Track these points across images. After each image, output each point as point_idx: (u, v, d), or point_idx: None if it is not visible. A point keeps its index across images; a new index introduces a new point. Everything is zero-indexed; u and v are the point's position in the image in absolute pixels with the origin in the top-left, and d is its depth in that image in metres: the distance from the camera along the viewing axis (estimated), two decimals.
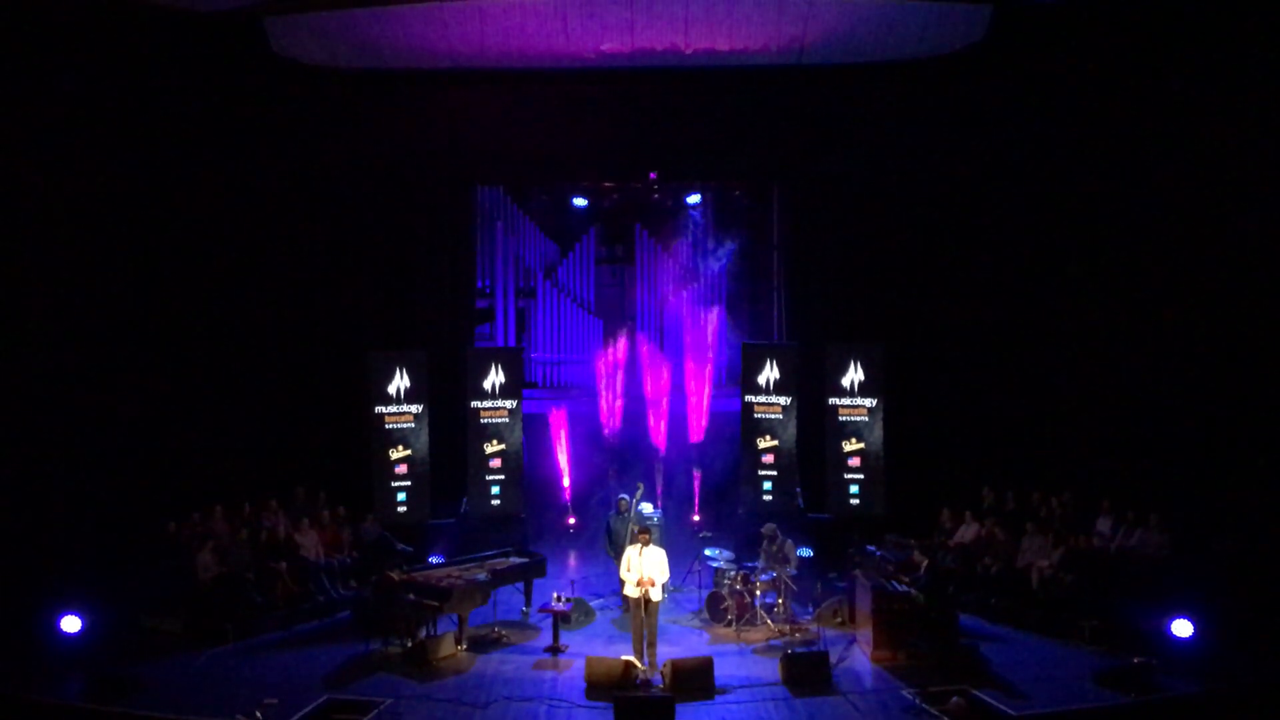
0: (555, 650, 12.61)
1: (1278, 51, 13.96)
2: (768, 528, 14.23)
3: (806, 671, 11.58)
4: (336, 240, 17.38)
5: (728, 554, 14.29)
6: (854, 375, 16.78)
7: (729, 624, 13.28)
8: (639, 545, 12.09)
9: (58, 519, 13.97)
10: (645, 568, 11.94)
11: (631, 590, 12.03)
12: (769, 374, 17.02)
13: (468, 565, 13.92)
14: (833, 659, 11.93)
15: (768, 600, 13.44)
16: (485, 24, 15.76)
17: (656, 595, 12.01)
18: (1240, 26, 14.22)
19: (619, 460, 18.13)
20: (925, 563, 13.45)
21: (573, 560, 16.69)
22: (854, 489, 16.77)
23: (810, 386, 17.05)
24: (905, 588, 12.58)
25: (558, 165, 18.38)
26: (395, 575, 13.20)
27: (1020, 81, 16.16)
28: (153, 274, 16.05)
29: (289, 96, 16.52)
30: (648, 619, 11.98)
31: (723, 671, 11.66)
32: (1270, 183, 14.27)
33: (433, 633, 12.62)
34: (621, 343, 19.04)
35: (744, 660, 12.39)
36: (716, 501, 17.56)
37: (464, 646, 12.65)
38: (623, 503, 14.44)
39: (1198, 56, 14.63)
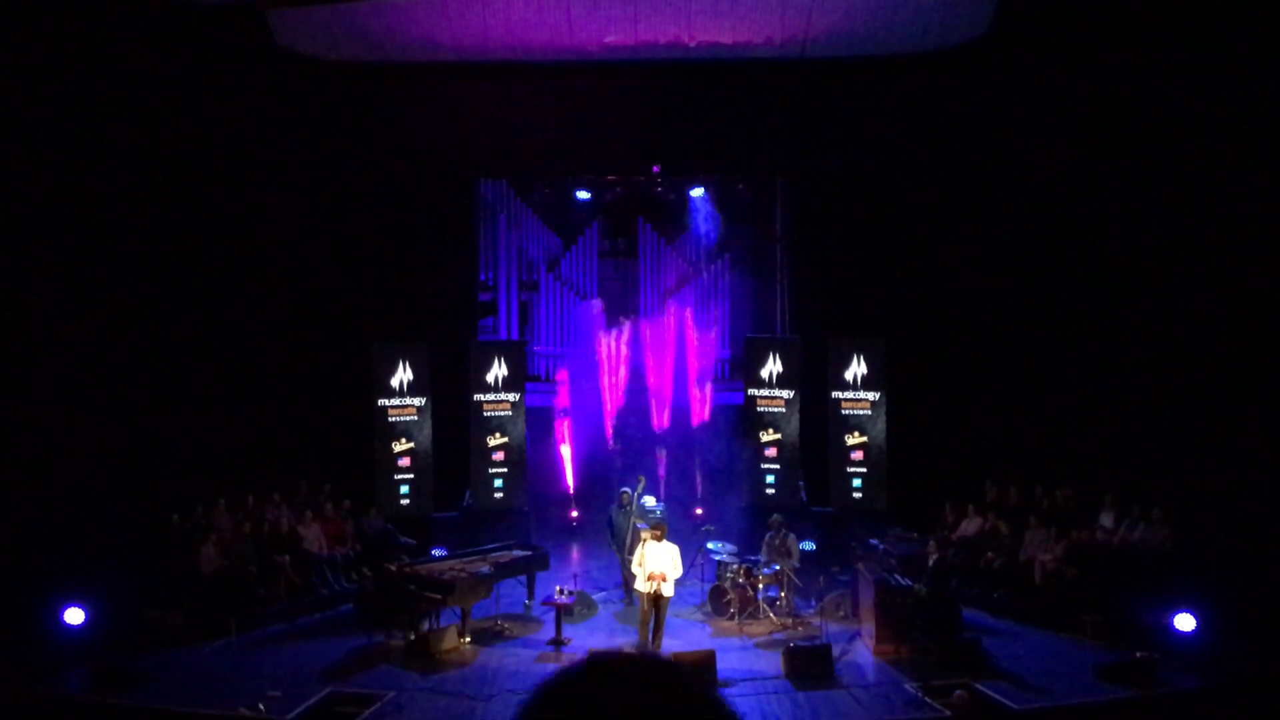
0: (558, 643, 12.63)
1: None
2: (775, 518, 14.26)
3: (809, 665, 11.60)
4: (339, 233, 17.36)
5: (730, 547, 14.30)
6: (857, 369, 16.78)
7: (731, 617, 13.29)
8: (646, 540, 12.12)
9: (61, 512, 13.97)
10: (656, 563, 11.95)
11: (642, 585, 12.04)
12: (772, 367, 17.01)
13: (470, 558, 13.94)
14: (835, 652, 11.95)
15: (770, 594, 13.45)
16: (488, 17, 15.73)
17: (668, 591, 12.03)
18: (1246, 21, 14.17)
19: (621, 454, 18.13)
20: (936, 555, 13.43)
21: (575, 553, 16.72)
22: (857, 483, 16.76)
23: (813, 380, 17.04)
24: (908, 581, 12.58)
25: (561, 158, 18.35)
26: (392, 566, 13.23)
27: (1024, 75, 16.11)
28: (156, 266, 16.02)
29: (292, 89, 16.49)
30: (657, 614, 12.00)
31: (725, 665, 11.68)
32: (1274, 178, 14.23)
33: (435, 625, 12.65)
34: (624, 336, 19.01)
35: (746, 653, 12.42)
36: (719, 495, 17.55)
37: (467, 639, 12.68)
38: (625, 496, 14.46)
39: (1204, 51, 14.58)
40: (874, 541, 14.49)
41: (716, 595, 13.67)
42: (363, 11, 15.70)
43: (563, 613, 12.85)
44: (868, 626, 12.59)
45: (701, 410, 18.72)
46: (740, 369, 18.33)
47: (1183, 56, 14.77)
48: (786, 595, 13.47)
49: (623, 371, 18.92)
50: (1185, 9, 14.59)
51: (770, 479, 16.95)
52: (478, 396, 16.98)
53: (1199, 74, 14.67)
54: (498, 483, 17.01)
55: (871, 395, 16.74)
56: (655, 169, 18.93)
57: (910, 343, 17.08)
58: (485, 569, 13.40)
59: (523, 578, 14.10)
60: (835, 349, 16.95)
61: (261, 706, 10.15)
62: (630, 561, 12.93)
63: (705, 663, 11.48)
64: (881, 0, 15.67)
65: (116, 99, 15.20)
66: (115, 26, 14.76)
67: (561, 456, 17.95)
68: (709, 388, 18.86)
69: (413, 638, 12.47)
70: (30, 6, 14.16)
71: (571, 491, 17.96)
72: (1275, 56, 13.95)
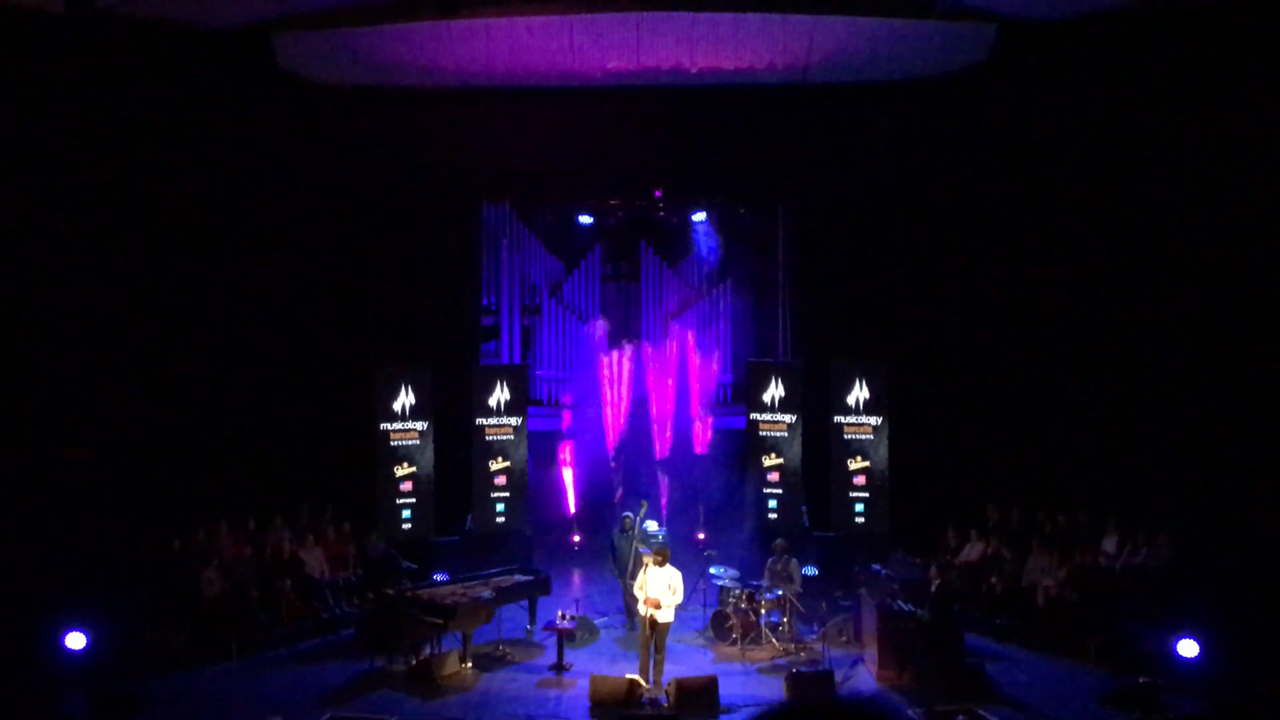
0: (560, 668, 12.59)
1: None
2: (778, 543, 14.25)
3: (811, 691, 11.54)
4: (342, 256, 17.38)
5: (732, 572, 14.26)
6: (859, 393, 16.76)
7: (734, 642, 13.26)
8: (648, 565, 12.11)
9: (62, 535, 13.96)
10: (656, 588, 11.93)
11: (643, 609, 12.04)
12: (774, 392, 17.01)
13: (472, 583, 13.90)
14: (838, 678, 11.92)
15: (773, 619, 13.42)
16: (491, 42, 15.82)
17: (664, 616, 11.99)
18: (1245, 46, 14.25)
19: (623, 478, 18.11)
20: (938, 580, 13.40)
21: (577, 578, 16.66)
22: (859, 507, 16.71)
23: (815, 404, 17.03)
24: (910, 607, 12.55)
25: (563, 183, 18.41)
26: (393, 591, 13.20)
27: (1024, 101, 16.19)
28: (158, 288, 16.06)
29: (295, 113, 16.56)
30: (656, 639, 11.97)
31: (727, 690, 11.64)
32: (1273, 201, 14.28)
33: (437, 650, 12.62)
34: (626, 360, 19.01)
35: (749, 679, 12.38)
36: (721, 519, 17.52)
37: (468, 664, 12.65)
38: (627, 520, 14.43)
39: (1202, 76, 14.66)
40: (876, 566, 14.44)
41: (719, 620, 13.63)
42: (366, 36, 15.81)
43: (565, 638, 12.81)
44: (870, 652, 12.55)
45: (703, 435, 18.71)
46: (742, 393, 18.32)
47: (1181, 82, 14.85)
48: (789, 620, 13.44)
49: (625, 395, 18.92)
50: (1183, 36, 14.67)
51: (772, 504, 16.92)
52: (480, 420, 16.98)
53: (1198, 99, 14.74)
54: (500, 507, 16.98)
55: (874, 419, 16.73)
56: (657, 193, 18.97)
57: (912, 367, 17.06)
58: (487, 593, 13.37)
59: (524, 602, 14.07)
60: (837, 373, 16.94)
61: None
62: (632, 586, 12.91)
63: (707, 688, 11.46)
64: (882, 26, 15.75)
65: (120, 121, 15.28)
66: (120, 50, 14.87)
67: (563, 481, 17.93)
68: (711, 412, 18.84)
69: (414, 662, 12.45)
70: (35, 30, 14.25)
71: (573, 516, 17.93)
72: (1271, 80, 14.02)
